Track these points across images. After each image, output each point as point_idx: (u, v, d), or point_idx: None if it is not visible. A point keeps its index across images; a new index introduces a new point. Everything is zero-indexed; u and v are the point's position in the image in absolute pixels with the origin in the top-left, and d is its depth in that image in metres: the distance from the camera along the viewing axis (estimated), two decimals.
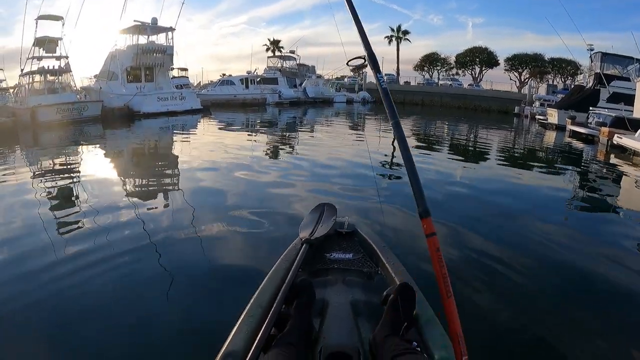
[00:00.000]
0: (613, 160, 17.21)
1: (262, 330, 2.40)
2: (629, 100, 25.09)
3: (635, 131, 18.37)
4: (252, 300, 2.81)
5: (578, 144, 22.75)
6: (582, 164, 17.62)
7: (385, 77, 3.10)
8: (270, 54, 69.42)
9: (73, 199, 9.01)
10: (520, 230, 7.55)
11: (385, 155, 16.12)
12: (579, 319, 4.52)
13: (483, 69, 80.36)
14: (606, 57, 33.24)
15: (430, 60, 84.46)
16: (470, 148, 20.99)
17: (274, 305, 2.63)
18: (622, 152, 18.25)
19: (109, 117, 28.79)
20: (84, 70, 52.93)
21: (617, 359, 3.91)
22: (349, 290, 3.18)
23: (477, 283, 5.16)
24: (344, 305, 2.94)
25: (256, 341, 2.31)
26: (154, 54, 33.92)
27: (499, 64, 79.16)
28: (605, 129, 20.68)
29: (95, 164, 12.98)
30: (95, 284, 4.89)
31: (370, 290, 3.23)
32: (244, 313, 2.66)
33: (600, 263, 6.07)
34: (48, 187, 9.79)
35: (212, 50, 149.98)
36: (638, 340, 4.18)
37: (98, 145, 18.04)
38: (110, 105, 30.24)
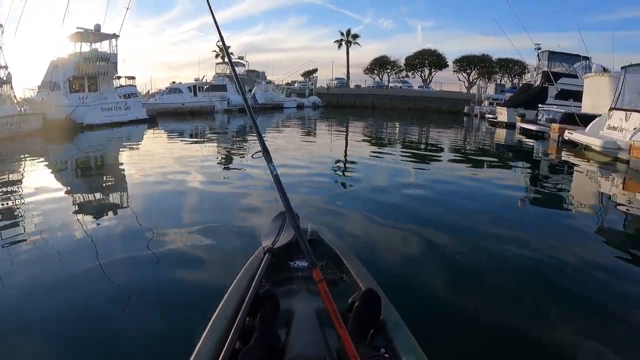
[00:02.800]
0: (565, 155, 17.31)
1: (226, 345, 2.33)
2: (577, 96, 25.41)
3: (585, 126, 18.52)
4: (215, 314, 2.74)
5: (529, 141, 22.96)
6: (534, 160, 17.79)
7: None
8: (219, 60, 68.73)
9: (16, 218, 8.36)
10: (474, 226, 7.62)
11: (340, 158, 16.16)
12: (535, 307, 4.67)
13: (432, 70, 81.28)
14: (553, 56, 34.01)
15: (381, 64, 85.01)
16: (422, 148, 20.90)
17: (238, 318, 2.57)
18: (574, 147, 18.35)
19: (51, 130, 27.66)
20: (28, 80, 51.55)
21: (568, 344, 4.04)
22: (314, 299, 3.06)
23: (431, 274, 5.44)
24: (310, 314, 2.88)
25: (221, 356, 2.24)
26: (97, 62, 32.78)
27: (447, 66, 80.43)
28: (555, 125, 20.85)
29: (37, 182, 12.10)
30: (43, 308, 4.64)
31: (336, 298, 2.85)
32: (208, 327, 2.59)
33: (553, 253, 6.20)
34: None
35: (162, 57, 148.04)
36: (585, 323, 4.44)
37: (39, 161, 17.17)
38: (52, 117, 29.09)
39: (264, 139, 3.43)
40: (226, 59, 63.53)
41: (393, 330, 2.59)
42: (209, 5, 4.39)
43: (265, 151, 3.31)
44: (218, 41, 3.91)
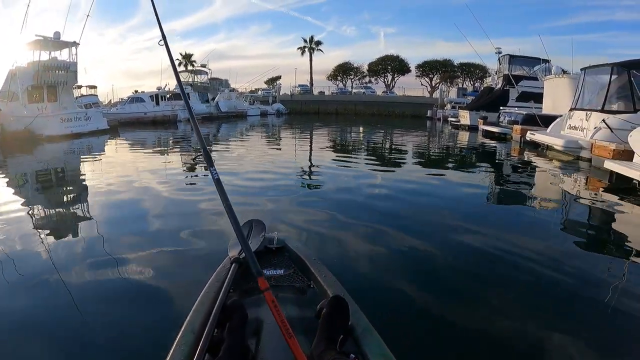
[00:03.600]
0: (527, 155, 17.58)
1: (195, 358, 2.29)
2: (538, 98, 25.92)
3: (546, 127, 18.76)
4: (183, 326, 2.69)
5: (491, 143, 23.24)
6: (498, 161, 17.96)
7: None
8: (182, 68, 68.23)
9: None
10: (440, 227, 7.62)
11: (304, 165, 16.08)
12: (501, 304, 4.75)
13: (395, 76, 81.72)
14: (514, 59, 34.77)
15: (344, 70, 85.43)
16: (387, 153, 20.93)
17: (206, 330, 2.52)
18: (536, 147, 18.63)
19: (10, 142, 27.02)
20: None
21: (534, 338, 4.08)
22: (283, 307, 2.81)
23: (399, 278, 5.38)
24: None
25: None
26: (57, 71, 32.07)
27: (410, 71, 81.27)
28: (517, 127, 21.17)
29: None
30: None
31: (304, 305, 3.20)
32: (176, 341, 2.54)
33: (518, 250, 6.27)
34: None
35: (125, 65, 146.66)
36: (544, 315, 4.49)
37: None
38: (11, 128, 28.44)
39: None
40: (190, 67, 63.51)
41: (362, 335, 2.58)
42: (153, 6, 4.30)
43: (206, 155, 3.34)
44: (160, 41, 3.74)
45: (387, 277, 5.46)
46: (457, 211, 8.81)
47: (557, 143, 16.17)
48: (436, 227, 7.65)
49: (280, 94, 73.94)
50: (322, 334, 2.53)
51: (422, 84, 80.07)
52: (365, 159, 17.94)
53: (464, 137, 28.12)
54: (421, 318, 4.43)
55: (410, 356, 2.68)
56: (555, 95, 22.99)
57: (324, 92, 79.58)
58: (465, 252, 6.31)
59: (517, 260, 5.90)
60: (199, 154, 3.45)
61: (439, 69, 78.66)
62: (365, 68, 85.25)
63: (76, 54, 33.45)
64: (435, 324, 4.31)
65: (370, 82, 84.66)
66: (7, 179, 15.09)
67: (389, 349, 2.42)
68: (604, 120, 13.85)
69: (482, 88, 52.57)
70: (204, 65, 62.00)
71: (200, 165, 16.83)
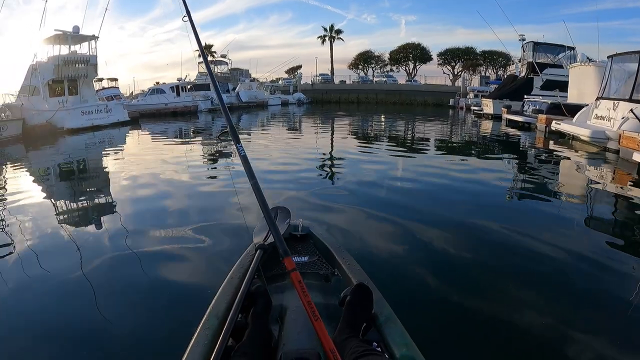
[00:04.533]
0: (552, 146, 17.16)
1: (219, 342, 2.29)
2: (563, 86, 25.28)
3: (572, 116, 18.34)
4: (207, 312, 2.72)
5: (516, 133, 22.71)
6: (522, 151, 17.50)
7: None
8: (202, 59, 68.16)
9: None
10: (464, 218, 7.53)
11: (327, 154, 16.08)
12: (525, 298, 4.69)
13: (417, 64, 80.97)
14: (538, 47, 33.88)
15: (365, 58, 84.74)
16: (409, 142, 20.67)
17: (230, 315, 2.52)
18: (561, 137, 18.28)
19: (32, 135, 27.23)
20: (10, 85, 50.93)
21: (558, 334, 4.00)
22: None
23: (422, 267, 5.41)
24: (302, 310, 2.66)
25: (214, 353, 2.20)
26: (77, 65, 32.28)
27: (432, 59, 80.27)
28: (542, 116, 20.66)
29: (18, 188, 11.93)
30: (27, 313, 4.62)
31: (328, 293, 3.24)
32: (200, 325, 2.57)
33: (543, 244, 6.17)
34: None
35: (146, 58, 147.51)
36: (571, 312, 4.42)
37: (20, 167, 16.89)
38: (32, 122, 28.68)
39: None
40: (210, 58, 63.45)
41: (385, 323, 2.58)
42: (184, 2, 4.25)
43: (232, 131, 3.36)
44: (184, 16, 3.74)
45: (410, 267, 5.47)
46: (479, 201, 8.80)
47: (583, 133, 15.79)
48: (458, 217, 7.57)
49: (301, 83, 73.81)
50: (345, 321, 2.55)
51: (444, 72, 79.18)
52: (387, 147, 17.81)
53: (487, 126, 27.63)
54: (444, 308, 4.44)
55: (432, 346, 2.57)
56: (581, 84, 22.54)
57: (345, 81, 78.80)
58: (487, 243, 6.29)
59: (539, 254, 5.84)
60: (224, 129, 3.41)
61: (461, 57, 77.66)
62: (386, 56, 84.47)
63: (96, 48, 33.63)
64: (457, 315, 4.31)
65: (391, 70, 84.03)
66: (29, 172, 15.33)
67: (411, 338, 2.41)
68: (632, 110, 13.49)
69: (505, 76, 51.98)
70: (224, 56, 62.02)
71: (222, 154, 16.90)
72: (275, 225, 2.97)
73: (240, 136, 3.32)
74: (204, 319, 2.64)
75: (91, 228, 7.86)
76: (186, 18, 4.10)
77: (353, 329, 2.49)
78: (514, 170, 12.95)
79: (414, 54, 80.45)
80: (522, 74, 34.11)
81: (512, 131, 23.38)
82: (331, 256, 3.69)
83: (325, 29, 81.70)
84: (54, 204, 10.04)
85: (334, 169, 12.84)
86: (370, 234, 6.64)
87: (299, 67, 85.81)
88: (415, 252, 5.96)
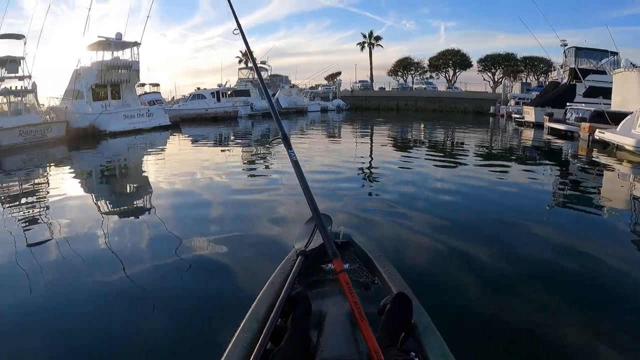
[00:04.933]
0: (596, 155, 16.81)
1: (257, 345, 2.30)
2: (607, 93, 24.65)
3: (616, 124, 17.88)
4: (247, 315, 2.74)
5: (558, 141, 22.29)
6: (564, 161, 17.13)
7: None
8: (242, 65, 68.69)
9: (41, 226, 8.49)
10: (506, 229, 7.49)
11: (368, 162, 16.05)
12: (569, 315, 4.56)
13: (457, 71, 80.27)
14: (580, 52, 33.02)
15: (404, 65, 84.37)
16: (449, 150, 20.42)
17: (270, 319, 2.53)
18: (605, 147, 17.86)
19: (75, 137, 27.88)
20: (53, 89, 52.01)
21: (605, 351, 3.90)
22: (346, 301, 2.78)
23: (462, 276, 5.39)
24: (341, 317, 2.87)
25: (252, 356, 2.22)
26: (120, 70, 32.94)
27: (472, 66, 79.35)
28: (585, 125, 20.18)
29: (61, 189, 12.34)
30: (68, 314, 4.80)
31: (367, 301, 3.02)
32: (240, 328, 2.59)
33: (586, 258, 6.05)
34: (15, 214, 9.32)
35: (187, 64, 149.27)
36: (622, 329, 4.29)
37: (63, 168, 17.34)
38: (76, 125, 29.35)
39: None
40: (250, 64, 63.75)
41: (424, 334, 2.56)
42: (231, 8, 4.47)
43: (285, 138, 3.42)
44: (235, 29, 3.96)
45: (449, 276, 5.45)
46: (519, 211, 8.63)
47: (627, 143, 15.45)
48: (498, 227, 7.56)
49: (341, 89, 73.66)
50: (384, 330, 2.51)
51: (484, 79, 78.26)
52: (427, 155, 17.66)
53: (528, 134, 27.19)
54: (483, 320, 4.40)
55: (470, 358, 2.66)
56: (625, 91, 22.08)
57: (385, 88, 78.72)
58: (528, 255, 6.20)
59: (581, 267, 5.74)
60: (276, 137, 3.50)
61: (501, 63, 76.71)
62: (425, 63, 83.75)
63: (138, 54, 34.47)
64: (496, 327, 4.28)
65: (431, 77, 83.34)
66: (72, 172, 15.73)
67: (449, 350, 2.38)
68: None
69: (546, 83, 51.21)
70: (264, 62, 62.12)
71: (262, 161, 16.98)
72: (324, 227, 2.97)
73: (280, 141, 3.40)
74: (243, 322, 2.66)
75: (130, 229, 8.06)
76: (237, 30, 4.21)
77: (392, 337, 2.47)
78: (555, 180, 12.73)
79: (453, 60, 79.79)
80: (564, 81, 33.38)
81: (554, 140, 22.95)
82: (371, 264, 3.67)
83: (364, 36, 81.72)
84: (95, 204, 10.33)
85: (373, 176, 12.80)
86: (409, 241, 6.68)
87: (338, 73, 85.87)
88: (455, 260, 5.91)
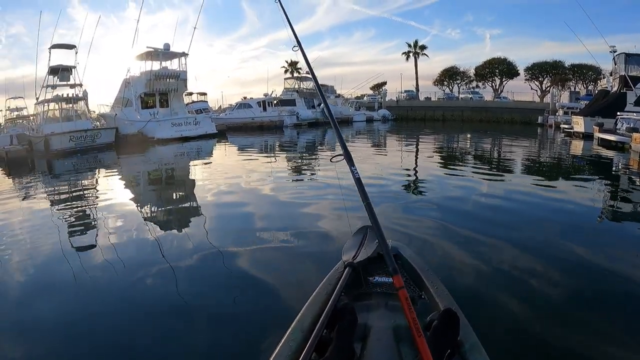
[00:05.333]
0: None
1: (302, 355, 2.35)
2: None
3: None
4: (293, 325, 2.77)
5: (607, 153, 21.57)
6: (613, 173, 16.51)
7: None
8: (288, 75, 69.03)
9: (88, 228, 8.87)
10: (557, 247, 7.11)
11: (416, 174, 15.88)
12: (613, 332, 4.44)
13: (503, 80, 79.17)
14: (630, 58, 31.76)
15: (450, 75, 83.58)
16: (495, 162, 20.20)
17: (315, 330, 2.57)
18: None
19: (123, 143, 28.60)
20: (105, 97, 53.33)
21: None
22: (392, 315, 3.04)
23: (509, 293, 5.24)
24: (387, 331, 2.84)
25: None
26: (167, 80, 33.72)
27: (519, 74, 77.89)
28: (637, 135, 19.36)
29: (110, 193, 12.94)
30: (116, 314, 5.00)
31: None
32: (285, 337, 2.63)
33: (630, 274, 5.90)
34: (65, 215, 9.83)
35: (234, 74, 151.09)
36: None
37: (112, 173, 17.85)
38: (124, 131, 30.23)
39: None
40: (296, 74, 64.06)
41: (470, 352, 2.54)
42: (286, 16, 4.84)
43: (347, 155, 3.53)
44: (294, 46, 4.12)
45: (500, 297, 5.23)
46: (566, 226, 8.37)
47: None
48: (546, 242, 7.35)
49: (386, 99, 73.46)
50: (430, 346, 2.43)
51: (531, 88, 76.98)
52: (473, 167, 17.42)
53: (577, 146, 26.52)
54: (531, 343, 4.25)
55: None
56: None
57: (430, 98, 77.92)
58: (577, 270, 6.05)
59: (630, 286, 5.53)
60: (337, 154, 3.54)
61: (549, 72, 75.32)
62: (471, 72, 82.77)
63: (185, 64, 35.35)
64: (545, 352, 4.11)
65: (477, 86, 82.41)
66: (121, 177, 16.00)
67: None
68: None
69: (596, 91, 50.09)
70: (308, 73, 62.42)
71: (308, 170, 17.12)
72: (387, 244, 3.04)
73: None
74: (288, 331, 2.68)
75: (176, 229, 8.41)
76: (297, 48, 4.55)
77: (437, 354, 2.43)
78: (604, 194, 12.34)
79: (500, 69, 78.59)
80: (614, 89, 32.18)
81: (604, 151, 22.18)
82: (419, 279, 3.64)
83: (409, 45, 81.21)
84: (141, 209, 10.62)
85: (419, 189, 12.70)
86: (455, 257, 6.57)
87: (384, 83, 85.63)
88: (502, 277, 5.83)
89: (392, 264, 2.83)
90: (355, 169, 3.38)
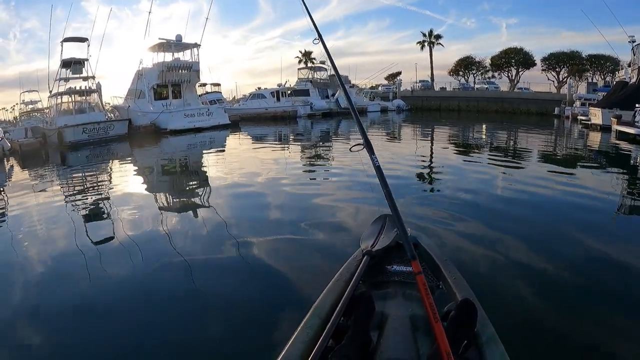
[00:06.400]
0: None
1: (319, 342, 2.41)
2: None
3: None
4: (310, 311, 2.84)
5: (626, 146, 21.02)
6: (632, 167, 16.19)
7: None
8: (302, 65, 68.80)
9: (102, 217, 9.13)
10: (563, 236, 7.25)
11: (427, 162, 16.23)
12: (629, 326, 4.39)
13: (519, 70, 78.35)
14: None
15: (465, 65, 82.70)
16: (511, 154, 19.83)
17: (333, 317, 2.66)
18: None
19: (137, 135, 28.69)
20: (119, 89, 53.60)
21: None
22: (409, 304, 3.11)
23: (526, 286, 5.23)
24: (403, 319, 2.88)
25: (313, 352, 2.31)
26: (180, 71, 33.84)
27: (535, 64, 76.79)
28: None
29: (123, 183, 13.35)
30: (128, 303, 5.08)
31: None
32: (302, 323, 2.69)
33: None
34: (78, 206, 10.13)
35: (248, 64, 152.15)
36: None
37: (126, 163, 18.01)
38: (138, 123, 30.34)
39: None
40: (309, 64, 63.80)
41: (486, 344, 2.55)
42: (305, 6, 4.97)
43: (367, 144, 3.55)
44: (315, 38, 4.11)
45: (518, 290, 5.20)
46: (583, 219, 8.26)
47: None
48: (563, 235, 7.30)
49: (401, 90, 73.00)
50: (447, 336, 2.44)
51: (548, 79, 75.76)
52: (489, 158, 17.20)
53: (594, 138, 26.02)
54: (548, 336, 4.20)
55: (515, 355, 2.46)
56: None
57: (445, 88, 77.23)
58: (593, 266, 5.97)
59: None
60: (356, 144, 3.51)
61: (566, 62, 74.15)
62: (487, 62, 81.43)
63: (198, 55, 35.50)
64: (563, 345, 4.09)
65: (493, 77, 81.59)
66: (134, 168, 16.19)
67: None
68: None
69: (614, 82, 49.39)
70: (323, 62, 62.01)
71: (324, 160, 17.31)
72: (405, 231, 3.05)
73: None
74: (306, 318, 2.75)
75: (191, 226, 8.26)
76: (317, 40, 4.69)
77: (454, 345, 2.41)
78: (621, 188, 12.02)
79: (516, 59, 77.58)
80: (633, 80, 31.32)
81: (622, 144, 21.66)
82: (437, 268, 3.67)
83: (424, 34, 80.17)
84: (154, 198, 10.83)
85: (436, 178, 12.72)
86: (474, 248, 6.52)
87: (399, 73, 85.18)
88: (519, 269, 5.77)
89: (411, 249, 2.84)
90: (375, 158, 3.40)
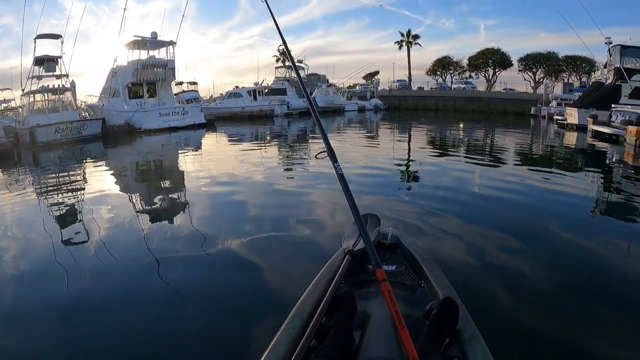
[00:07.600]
0: None
1: (301, 342, 2.39)
2: None
3: None
4: (292, 312, 2.80)
5: (602, 145, 21.28)
6: (607, 166, 16.27)
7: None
8: (279, 64, 68.62)
9: (75, 219, 8.89)
10: (541, 234, 7.34)
11: (404, 161, 16.23)
12: (616, 328, 4.40)
13: (496, 70, 78.86)
14: (626, 50, 31.24)
15: (443, 64, 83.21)
16: (487, 153, 19.97)
17: (315, 317, 2.62)
18: None
19: (111, 134, 28.41)
20: (93, 87, 53.05)
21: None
22: None
23: (503, 284, 5.26)
24: (386, 318, 2.79)
25: (295, 353, 2.29)
26: (155, 69, 33.55)
27: (512, 65, 77.54)
28: (632, 128, 19.16)
29: (96, 184, 13.02)
30: (104, 307, 4.93)
31: (413, 304, 3.19)
32: (284, 324, 2.65)
33: (624, 266, 5.97)
34: (51, 207, 9.88)
35: (226, 63, 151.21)
36: None
37: (99, 164, 17.88)
38: (112, 122, 30.04)
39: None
40: (287, 63, 63.65)
41: (469, 341, 2.55)
42: (268, 8, 4.72)
43: (330, 151, 3.42)
44: (280, 45, 4.18)
45: (499, 287, 5.22)
46: (559, 218, 8.26)
47: None
48: (540, 233, 7.35)
49: (379, 89, 73.08)
50: (429, 335, 2.51)
51: (524, 79, 76.36)
52: (466, 157, 17.25)
53: (570, 137, 26.29)
54: (530, 333, 4.24)
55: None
56: None
57: (423, 88, 77.32)
58: (571, 263, 6.07)
59: (625, 278, 5.59)
60: (322, 151, 3.45)
61: (542, 63, 75.08)
62: (465, 62, 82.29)
63: (174, 53, 35.23)
64: (543, 341, 4.12)
65: (470, 77, 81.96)
66: (108, 169, 16.28)
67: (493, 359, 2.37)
68: None
69: (589, 83, 49.77)
70: (300, 61, 61.90)
71: (301, 160, 17.34)
72: (368, 237, 2.98)
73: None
74: (287, 319, 2.70)
75: (167, 227, 8.16)
76: (282, 46, 4.41)
77: (436, 343, 2.46)
78: (597, 187, 12.14)
79: (493, 59, 78.23)
80: (609, 81, 31.64)
81: (598, 144, 21.92)
82: (419, 267, 3.64)
83: (403, 34, 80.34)
84: (128, 199, 10.69)
85: (414, 177, 12.78)
86: (454, 246, 6.52)
87: (376, 73, 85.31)
88: (500, 267, 5.83)
89: (375, 258, 2.75)
90: (338, 165, 3.27)
